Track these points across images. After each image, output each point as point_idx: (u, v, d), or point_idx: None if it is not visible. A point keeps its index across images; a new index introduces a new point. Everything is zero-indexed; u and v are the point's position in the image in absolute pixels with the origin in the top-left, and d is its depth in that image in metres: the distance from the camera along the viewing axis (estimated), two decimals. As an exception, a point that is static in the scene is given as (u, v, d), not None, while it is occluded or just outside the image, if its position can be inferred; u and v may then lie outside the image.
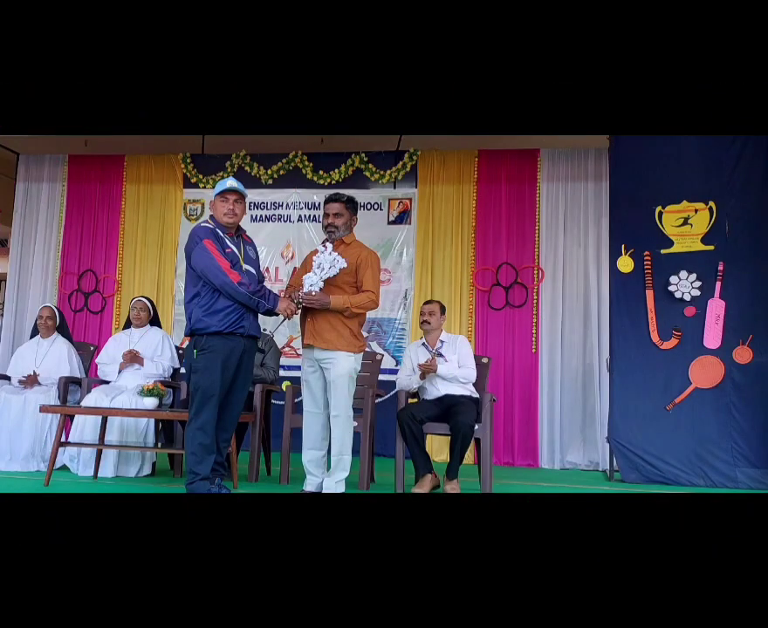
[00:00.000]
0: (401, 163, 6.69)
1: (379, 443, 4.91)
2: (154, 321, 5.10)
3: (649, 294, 5.13)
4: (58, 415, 4.30)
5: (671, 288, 5.08)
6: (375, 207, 6.75)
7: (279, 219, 6.91)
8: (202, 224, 3.57)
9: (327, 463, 3.78)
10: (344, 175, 6.75)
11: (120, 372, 4.84)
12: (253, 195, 6.69)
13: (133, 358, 4.80)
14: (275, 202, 6.92)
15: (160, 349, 4.93)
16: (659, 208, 5.17)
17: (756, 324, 4.94)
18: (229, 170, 6.87)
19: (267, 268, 6.66)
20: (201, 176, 6.97)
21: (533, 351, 6.36)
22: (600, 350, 6.14)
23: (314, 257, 3.60)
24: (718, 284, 5.02)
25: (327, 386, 3.65)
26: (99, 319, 6.98)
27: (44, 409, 4.18)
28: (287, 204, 6.90)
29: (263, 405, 4.60)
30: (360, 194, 6.09)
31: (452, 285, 6.55)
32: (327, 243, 3.61)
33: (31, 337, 5.30)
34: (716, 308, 5.01)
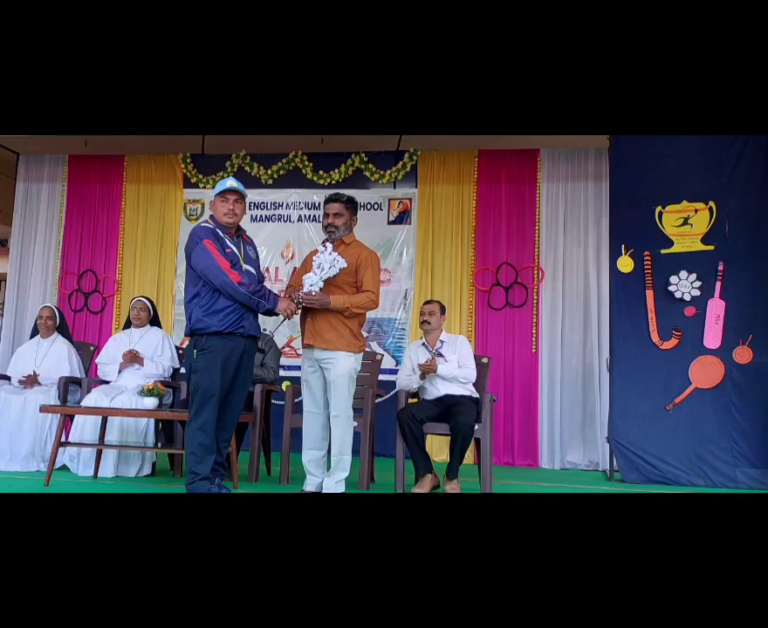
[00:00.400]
0: (401, 163, 6.69)
1: (379, 443, 4.91)
2: (154, 321, 5.10)
3: (649, 294, 5.13)
4: (58, 415, 4.30)
5: (671, 288, 5.08)
6: (375, 207, 6.75)
7: (279, 219, 6.90)
8: (202, 224, 3.57)
9: (327, 463, 3.78)
10: (344, 175, 6.74)
11: (120, 372, 4.84)
12: (253, 195, 6.69)
13: (133, 358, 4.81)
14: (275, 202, 6.92)
15: (160, 349, 4.94)
16: (659, 208, 5.17)
17: (756, 324, 4.94)
18: (229, 170, 6.87)
19: (267, 268, 6.66)
20: (201, 176, 6.97)
21: (533, 351, 6.36)
22: (600, 350, 6.14)
23: (314, 257, 3.60)
24: (718, 284, 5.02)
25: (327, 386, 3.65)
26: (99, 319, 6.98)
27: (44, 409, 4.18)
28: (287, 204, 6.90)
29: (263, 405, 4.60)
30: (359, 194, 6.09)
31: (452, 285, 6.54)
32: (327, 243, 3.61)
33: (31, 337, 5.30)
34: (716, 308, 5.01)
